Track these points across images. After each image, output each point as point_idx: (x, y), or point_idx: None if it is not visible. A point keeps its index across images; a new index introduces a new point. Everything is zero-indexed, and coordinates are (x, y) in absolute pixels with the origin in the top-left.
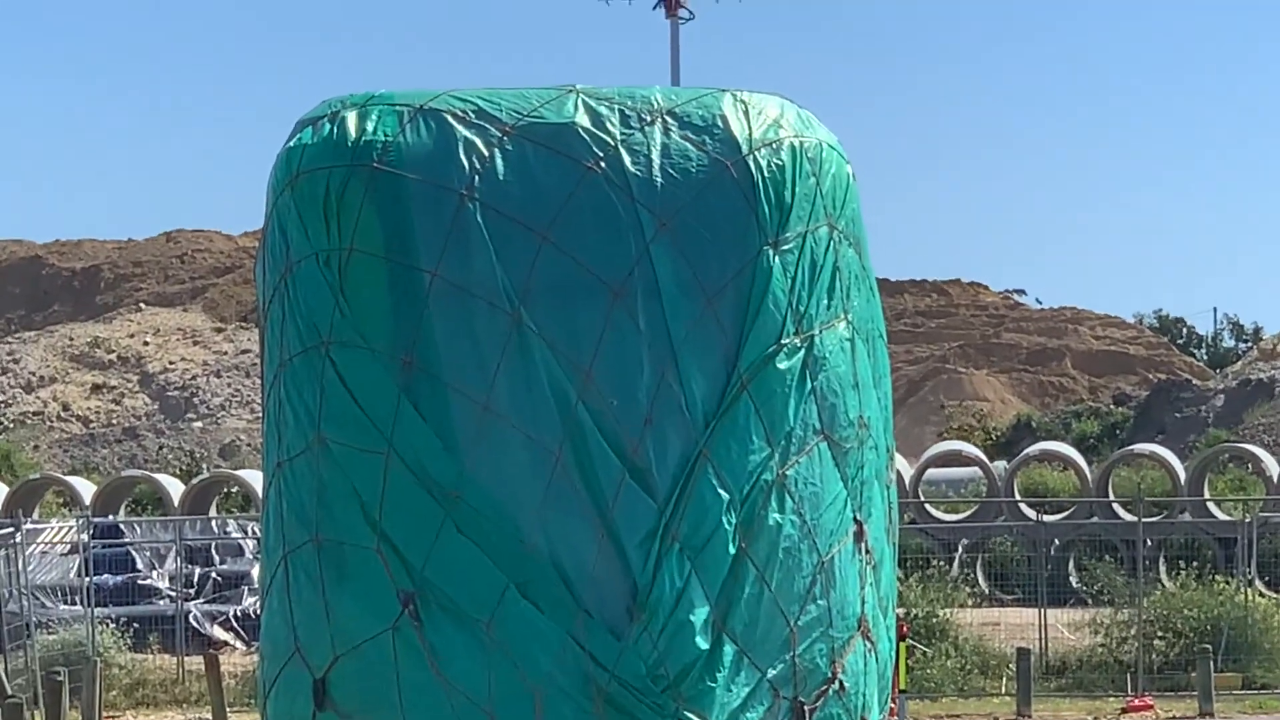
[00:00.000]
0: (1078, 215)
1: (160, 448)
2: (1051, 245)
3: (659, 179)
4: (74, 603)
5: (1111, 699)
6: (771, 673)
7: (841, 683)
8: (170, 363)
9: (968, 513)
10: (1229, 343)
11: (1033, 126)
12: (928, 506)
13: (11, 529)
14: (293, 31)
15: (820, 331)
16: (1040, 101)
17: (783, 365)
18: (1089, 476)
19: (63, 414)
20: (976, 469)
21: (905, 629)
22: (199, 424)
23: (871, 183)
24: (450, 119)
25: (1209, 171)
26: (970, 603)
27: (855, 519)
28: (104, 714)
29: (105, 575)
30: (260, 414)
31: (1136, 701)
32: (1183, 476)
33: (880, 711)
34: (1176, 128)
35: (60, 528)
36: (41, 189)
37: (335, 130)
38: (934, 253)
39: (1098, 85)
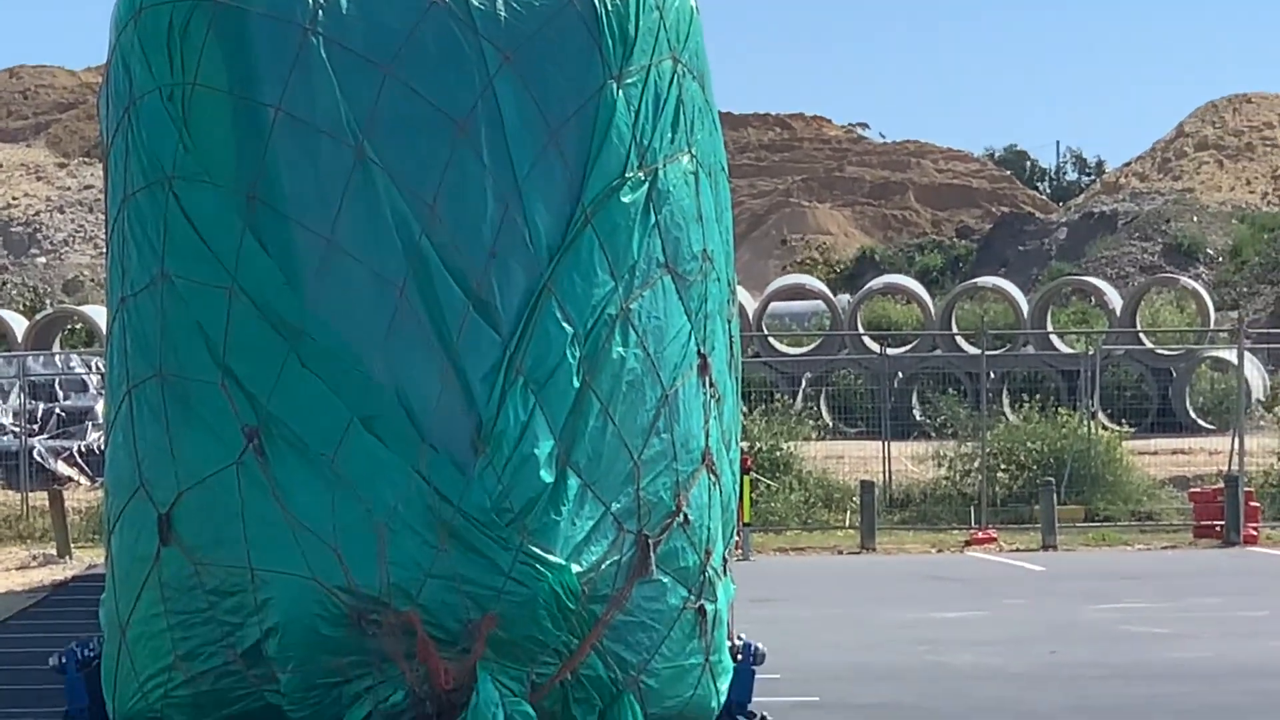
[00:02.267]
0: (920, 48)
1: (3, 284)
2: (894, 78)
3: (502, 12)
4: None
5: (955, 532)
6: (615, 506)
7: (686, 516)
8: (13, 199)
9: (811, 346)
10: (1072, 176)
11: None
12: (771, 340)
13: None
14: None
15: (664, 165)
16: None
17: (626, 199)
18: (932, 310)
19: None
20: (820, 302)
21: (749, 462)
22: (42, 260)
23: (715, 15)
24: None
25: (1053, 3)
26: (814, 436)
27: (699, 352)
28: None
29: None
30: (104, 250)
31: (980, 534)
32: (1026, 310)
33: (725, 544)
34: None
35: None
36: None
37: None
38: (777, 86)
39: None
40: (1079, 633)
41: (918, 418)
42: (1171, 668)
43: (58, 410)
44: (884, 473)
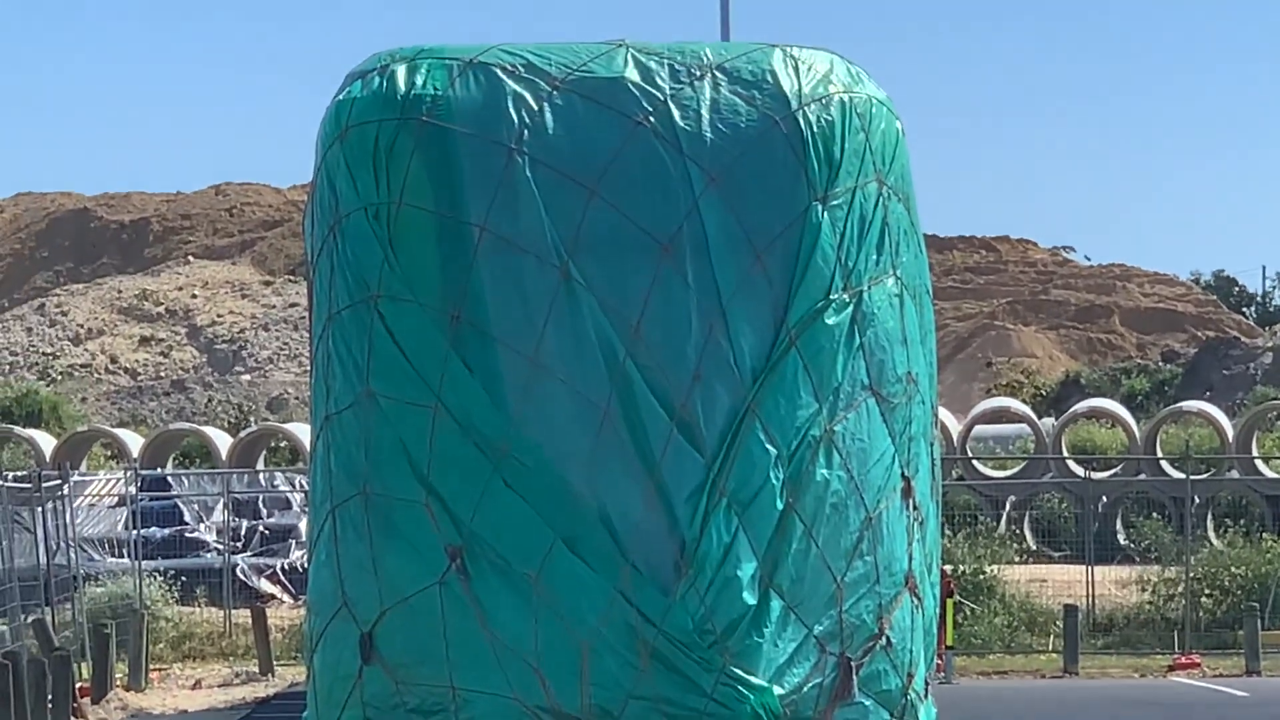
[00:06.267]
0: (1128, 172)
1: (208, 401)
2: (1101, 202)
3: (708, 134)
4: (121, 555)
5: (1158, 656)
6: (818, 628)
7: (888, 639)
8: (218, 316)
9: (1015, 469)
10: (1279, 301)
11: (1085, 81)
12: (975, 463)
13: (59, 481)
14: None
15: (869, 287)
16: (1093, 56)
17: (831, 321)
18: (1137, 434)
19: (110, 366)
20: (1024, 425)
21: (952, 586)
22: (247, 377)
23: (921, 137)
24: (500, 73)
25: (1260, 128)
26: (1017, 559)
27: (903, 475)
28: (150, 666)
29: (153, 528)
30: (308, 367)
31: (1183, 659)
32: (1231, 434)
33: (927, 667)
34: (1230, 84)
35: (108, 480)
36: (90, 141)
37: (385, 84)
38: (983, 209)
39: (1150, 38)
40: None
41: (1122, 542)
42: None
43: (261, 528)
44: (1087, 597)
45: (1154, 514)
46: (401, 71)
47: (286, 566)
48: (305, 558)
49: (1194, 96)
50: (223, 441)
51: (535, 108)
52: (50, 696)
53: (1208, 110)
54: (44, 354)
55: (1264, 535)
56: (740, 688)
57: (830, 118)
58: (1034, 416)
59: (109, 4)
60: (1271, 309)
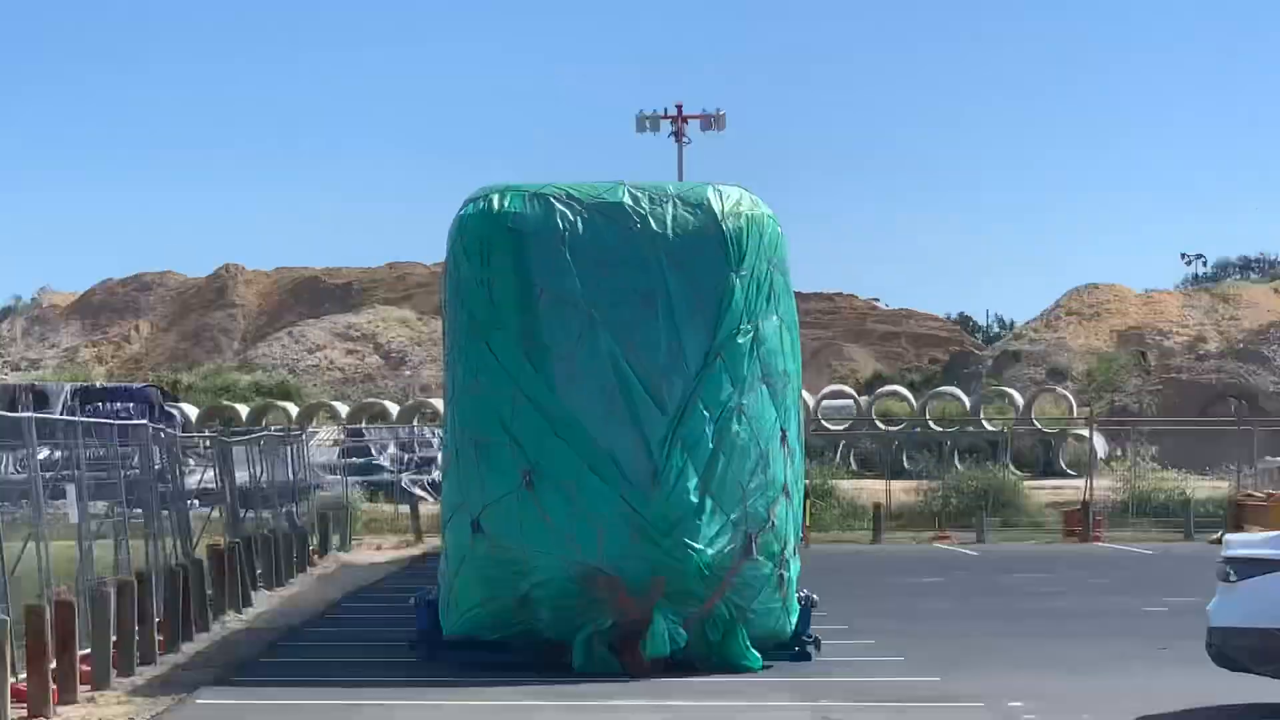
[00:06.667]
0: (914, 241)
1: (387, 385)
2: (897, 266)
3: (671, 234)
4: (335, 474)
5: (926, 533)
6: (733, 516)
7: (773, 522)
8: (394, 337)
9: (845, 425)
10: (996, 330)
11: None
12: (824, 421)
13: (300, 431)
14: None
15: (762, 322)
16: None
17: (741, 341)
18: (914, 405)
19: (329, 366)
20: (851, 401)
21: (809, 492)
22: (409, 373)
23: (792, 233)
24: (552, 199)
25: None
26: (846, 477)
27: (781, 429)
28: (352, 538)
29: (354, 458)
30: (444, 368)
31: (941, 535)
32: (968, 404)
33: (795, 539)
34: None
35: (328, 432)
36: (317, 223)
37: (486, 204)
38: (826, 272)
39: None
40: (998, 588)
41: (907, 466)
42: (1048, 609)
43: (416, 458)
44: (886, 497)
45: (925, 451)
46: (496, 198)
47: (429, 481)
48: (440, 476)
49: (929, 154)
50: (394, 409)
51: (572, 219)
52: (295, 555)
53: (947, 172)
54: (290, 360)
55: (990, 464)
56: (689, 551)
57: (741, 225)
58: (856, 396)
59: (324, 110)
60: (992, 335)
